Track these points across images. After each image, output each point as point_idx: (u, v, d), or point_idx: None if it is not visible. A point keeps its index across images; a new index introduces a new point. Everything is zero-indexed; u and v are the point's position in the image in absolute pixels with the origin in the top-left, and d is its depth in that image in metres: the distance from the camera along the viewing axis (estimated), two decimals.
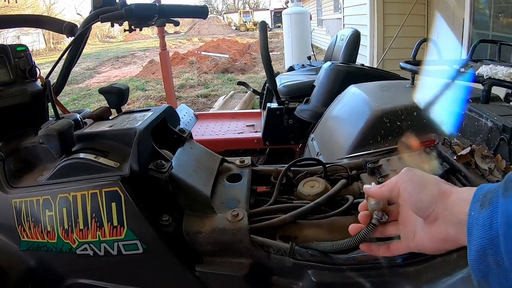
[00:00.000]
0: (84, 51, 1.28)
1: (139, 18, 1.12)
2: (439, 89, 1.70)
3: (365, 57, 6.22)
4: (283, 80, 3.66)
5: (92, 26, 1.15)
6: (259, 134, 2.95)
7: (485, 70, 1.49)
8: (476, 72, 1.56)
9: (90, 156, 0.90)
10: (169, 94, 5.61)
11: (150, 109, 1.09)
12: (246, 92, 6.32)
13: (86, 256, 0.90)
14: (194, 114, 3.57)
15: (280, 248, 0.86)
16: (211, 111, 5.83)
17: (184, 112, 3.44)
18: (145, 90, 8.63)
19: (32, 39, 22.49)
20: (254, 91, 3.87)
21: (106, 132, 0.96)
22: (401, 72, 2.43)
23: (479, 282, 0.47)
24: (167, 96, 5.76)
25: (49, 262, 0.97)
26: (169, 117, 1.11)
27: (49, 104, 1.16)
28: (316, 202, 0.98)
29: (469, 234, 0.48)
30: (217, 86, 8.83)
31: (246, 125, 3.24)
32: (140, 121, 0.98)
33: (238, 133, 3.09)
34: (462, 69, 1.87)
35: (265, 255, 0.85)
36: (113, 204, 0.85)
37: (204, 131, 3.19)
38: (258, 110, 3.72)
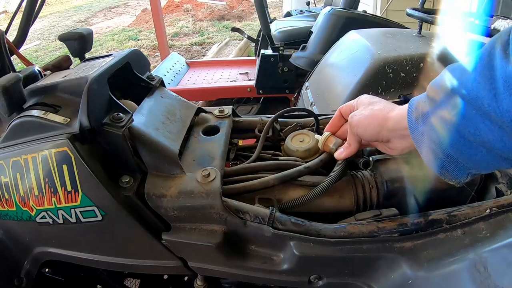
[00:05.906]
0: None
1: None
2: (449, 40, 1.58)
3: (368, 6, 5.87)
4: (279, 26, 3.47)
5: None
6: (253, 82, 2.84)
7: (502, 24, 1.35)
8: (492, 26, 1.42)
9: (39, 113, 0.77)
10: (161, 43, 5.50)
11: (112, 54, 0.94)
12: (242, 40, 6.14)
13: (46, 224, 0.81)
14: (185, 62, 3.44)
15: (258, 214, 0.73)
16: (204, 59, 5.64)
17: (175, 61, 3.33)
18: (138, 40, 8.37)
19: None
20: (249, 38, 3.73)
21: (57, 84, 0.83)
22: (407, 24, 2.28)
23: (441, 173, 0.59)
24: (159, 45, 5.67)
25: (14, 231, 0.90)
26: (134, 63, 0.96)
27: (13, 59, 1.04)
28: (307, 167, 0.83)
29: (417, 143, 0.60)
30: (213, 33, 8.57)
31: (240, 73, 3.13)
32: (97, 68, 0.83)
33: (231, 81, 2.99)
34: (476, 22, 1.71)
35: (240, 222, 0.73)
36: (64, 167, 0.73)
37: (195, 79, 3.09)
38: (253, 58, 3.58)
